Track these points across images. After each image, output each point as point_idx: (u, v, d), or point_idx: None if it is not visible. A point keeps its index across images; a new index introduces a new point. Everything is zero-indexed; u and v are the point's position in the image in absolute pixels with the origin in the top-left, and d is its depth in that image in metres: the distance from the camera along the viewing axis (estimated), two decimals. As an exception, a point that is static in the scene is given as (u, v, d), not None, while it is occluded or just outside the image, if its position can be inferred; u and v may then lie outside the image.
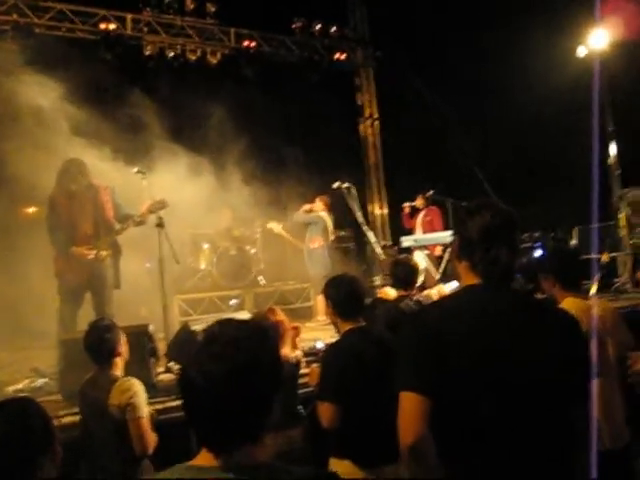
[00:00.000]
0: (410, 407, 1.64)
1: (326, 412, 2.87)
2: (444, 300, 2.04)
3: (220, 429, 1.24)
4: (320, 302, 7.84)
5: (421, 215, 9.05)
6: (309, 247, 8.10)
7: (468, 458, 1.66)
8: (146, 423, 2.92)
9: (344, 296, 3.07)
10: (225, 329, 1.29)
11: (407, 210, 9.24)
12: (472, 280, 1.81)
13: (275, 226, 8.53)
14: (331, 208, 8.30)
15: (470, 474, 1.65)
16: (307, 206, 8.11)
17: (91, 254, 5.20)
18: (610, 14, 7.60)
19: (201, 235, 9.14)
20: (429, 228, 8.76)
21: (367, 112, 12.88)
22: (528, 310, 1.80)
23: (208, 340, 1.27)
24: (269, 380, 1.29)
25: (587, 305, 3.01)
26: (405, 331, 1.86)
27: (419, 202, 9.11)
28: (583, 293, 3.27)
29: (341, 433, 2.86)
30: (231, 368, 1.22)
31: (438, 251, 8.43)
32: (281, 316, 3.46)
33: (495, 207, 1.84)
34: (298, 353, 3.48)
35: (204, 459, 1.26)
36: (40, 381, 4.64)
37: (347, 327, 3.05)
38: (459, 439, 1.66)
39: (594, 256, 7.90)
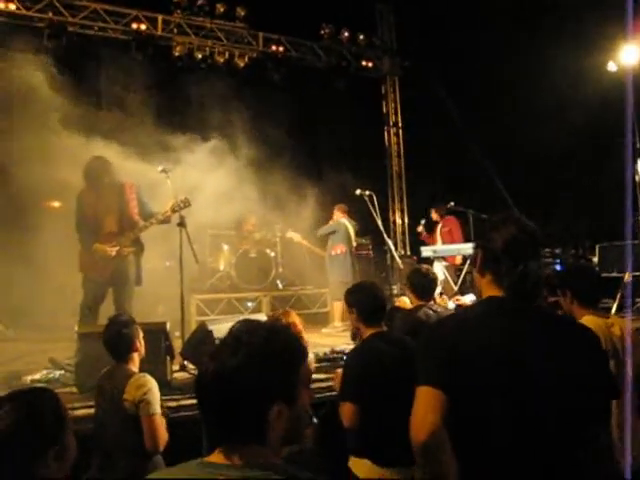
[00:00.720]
0: (425, 400, 1.64)
1: (347, 412, 2.95)
2: (466, 310, 2.04)
3: (224, 423, 1.27)
4: (337, 308, 7.86)
5: (439, 226, 9.01)
6: (331, 254, 8.16)
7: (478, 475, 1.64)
8: (159, 420, 2.94)
9: (367, 302, 3.16)
10: (242, 327, 1.32)
11: (423, 233, 9.23)
12: (494, 293, 1.80)
13: (294, 235, 8.57)
14: (351, 214, 8.33)
15: None
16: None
17: (113, 251, 5.27)
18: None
19: (222, 236, 9.19)
20: (448, 238, 8.71)
21: (392, 120, 12.88)
22: (550, 325, 1.78)
23: (226, 337, 1.31)
24: (279, 375, 1.29)
25: (606, 323, 2.97)
26: (424, 336, 1.86)
27: (434, 215, 9.07)
28: (602, 311, 3.23)
29: (362, 433, 2.93)
30: (241, 362, 1.24)
31: (458, 261, 8.39)
32: (294, 318, 3.53)
33: (520, 221, 1.84)
34: (310, 357, 3.50)
35: (216, 457, 1.28)
36: (57, 372, 4.70)
37: (370, 332, 3.14)
38: (468, 453, 1.64)
39: (616, 274, 7.80)
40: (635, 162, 7.69)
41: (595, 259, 8.85)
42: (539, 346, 1.69)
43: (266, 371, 1.26)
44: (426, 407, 1.63)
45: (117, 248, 5.28)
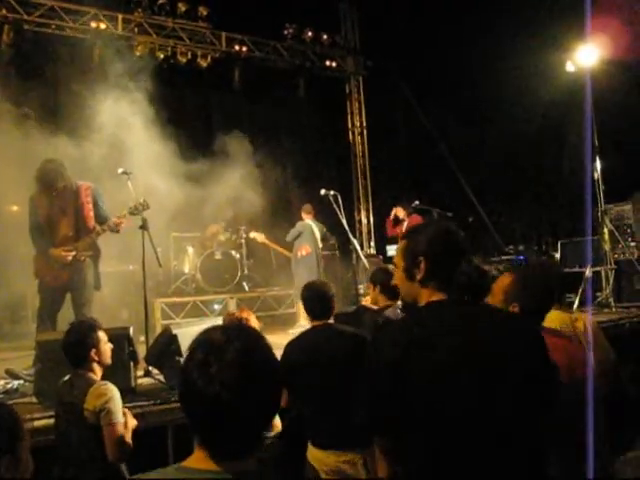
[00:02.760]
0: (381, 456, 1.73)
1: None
2: (412, 317, 1.99)
3: (235, 437, 1.24)
4: (301, 308, 7.86)
5: (405, 224, 9.05)
6: (297, 255, 8.11)
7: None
8: (121, 429, 2.86)
9: (312, 298, 3.41)
10: (231, 337, 1.28)
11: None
12: (437, 298, 1.80)
13: (258, 235, 8.51)
14: (316, 215, 8.32)
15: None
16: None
17: (69, 256, 5.13)
18: (599, 32, 7.69)
19: (186, 239, 9.09)
20: None
21: (356, 120, 12.91)
22: (488, 320, 1.77)
23: (213, 349, 1.25)
24: (278, 385, 1.32)
25: (570, 318, 3.02)
26: (370, 350, 1.80)
27: (400, 213, 9.11)
28: (566, 307, 3.28)
29: (305, 418, 3.21)
30: (247, 375, 1.22)
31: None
32: (250, 315, 3.54)
33: (444, 224, 1.89)
34: None
35: (200, 462, 1.25)
36: (15, 383, 4.55)
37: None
38: (419, 447, 1.64)
39: (577, 270, 7.96)
40: (594, 160, 7.87)
41: (557, 255, 9.03)
42: (479, 342, 1.68)
43: (268, 380, 1.29)
44: (384, 462, 1.74)
45: (73, 253, 5.14)
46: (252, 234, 8.55)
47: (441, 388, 1.60)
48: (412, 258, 1.82)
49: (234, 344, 1.25)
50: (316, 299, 3.40)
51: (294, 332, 7.64)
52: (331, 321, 3.47)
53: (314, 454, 3.15)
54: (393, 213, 9.15)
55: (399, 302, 4.07)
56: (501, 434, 1.61)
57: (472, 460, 1.60)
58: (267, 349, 1.32)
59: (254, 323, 3.47)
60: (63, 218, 5.20)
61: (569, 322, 3.00)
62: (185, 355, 1.29)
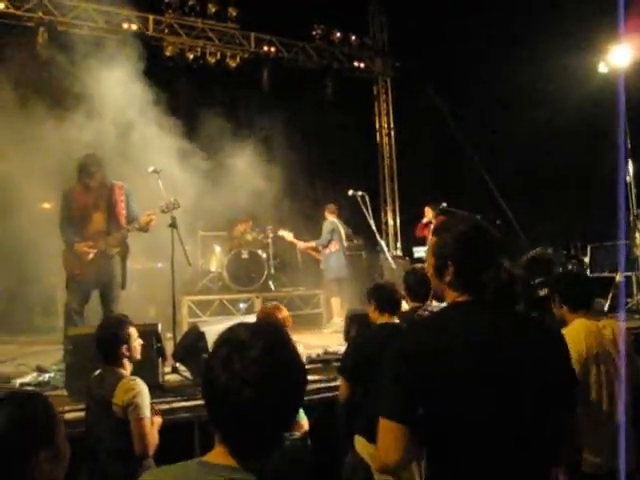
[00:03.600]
0: (390, 436, 1.63)
1: (341, 387, 3.46)
2: (437, 318, 1.97)
3: (255, 435, 1.24)
4: (335, 304, 7.92)
5: (432, 227, 9.00)
6: (325, 252, 8.18)
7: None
8: (148, 424, 2.90)
9: (387, 296, 3.52)
10: (255, 335, 1.28)
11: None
12: (462, 299, 1.78)
13: (286, 234, 8.55)
14: (339, 214, 8.36)
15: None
16: None
17: (91, 253, 5.21)
18: (633, 32, 7.55)
19: (213, 237, 9.17)
20: None
21: (384, 122, 12.88)
22: (508, 325, 1.74)
23: (237, 346, 1.26)
24: (300, 385, 1.32)
25: (597, 326, 2.95)
26: (391, 349, 1.77)
27: (429, 214, 9.05)
28: (595, 314, 3.22)
29: (356, 410, 3.30)
30: (269, 373, 1.23)
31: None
32: (286, 313, 3.57)
33: (475, 221, 1.85)
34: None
35: (220, 457, 1.25)
36: (46, 375, 4.65)
37: (381, 321, 3.50)
38: (444, 453, 1.63)
39: (607, 274, 7.82)
40: (627, 162, 7.72)
41: (587, 259, 8.89)
42: (514, 345, 1.67)
43: (292, 377, 1.30)
44: (391, 443, 1.63)
45: (96, 250, 5.22)
46: (280, 232, 8.58)
47: (459, 395, 1.58)
48: (441, 259, 1.80)
49: (258, 342, 1.25)
50: (389, 297, 3.52)
51: (327, 331, 7.68)
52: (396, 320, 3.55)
53: (368, 450, 3.13)
54: (426, 215, 9.11)
55: (428, 303, 4.05)
56: (520, 438, 1.60)
57: (492, 466, 1.59)
58: (291, 348, 1.32)
59: (286, 320, 3.50)
60: (96, 213, 5.30)
61: (595, 330, 2.94)
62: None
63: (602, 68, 8.25)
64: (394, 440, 1.62)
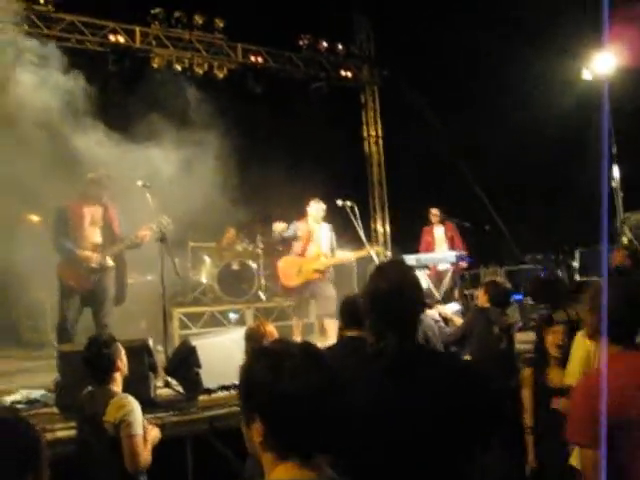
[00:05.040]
0: None
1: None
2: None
3: (326, 443, 1.27)
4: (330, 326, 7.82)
5: (442, 230, 9.02)
6: None
7: None
8: (140, 441, 2.89)
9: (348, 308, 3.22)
10: (305, 348, 1.35)
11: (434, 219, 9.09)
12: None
13: (277, 225, 8.40)
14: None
15: None
16: None
17: (95, 257, 5.27)
18: (616, 40, 7.65)
19: (203, 249, 9.14)
20: (451, 245, 8.76)
21: (372, 130, 12.94)
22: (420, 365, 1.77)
23: (298, 356, 1.30)
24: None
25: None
26: None
27: (434, 217, 9.06)
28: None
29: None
30: (332, 379, 1.29)
31: (441, 269, 8.41)
32: (270, 327, 3.56)
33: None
34: None
35: (290, 472, 1.23)
36: (37, 393, 4.61)
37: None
38: None
39: (596, 279, 7.88)
40: (610, 168, 7.81)
41: (575, 263, 8.95)
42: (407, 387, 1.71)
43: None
44: None
45: (100, 256, 5.29)
46: (274, 225, 8.43)
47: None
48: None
49: (311, 353, 1.33)
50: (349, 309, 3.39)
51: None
52: None
53: None
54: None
55: (435, 310, 4.03)
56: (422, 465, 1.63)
57: None
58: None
59: (270, 334, 3.50)
60: (94, 227, 5.42)
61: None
62: (270, 363, 1.30)
63: (586, 75, 8.35)
64: None
